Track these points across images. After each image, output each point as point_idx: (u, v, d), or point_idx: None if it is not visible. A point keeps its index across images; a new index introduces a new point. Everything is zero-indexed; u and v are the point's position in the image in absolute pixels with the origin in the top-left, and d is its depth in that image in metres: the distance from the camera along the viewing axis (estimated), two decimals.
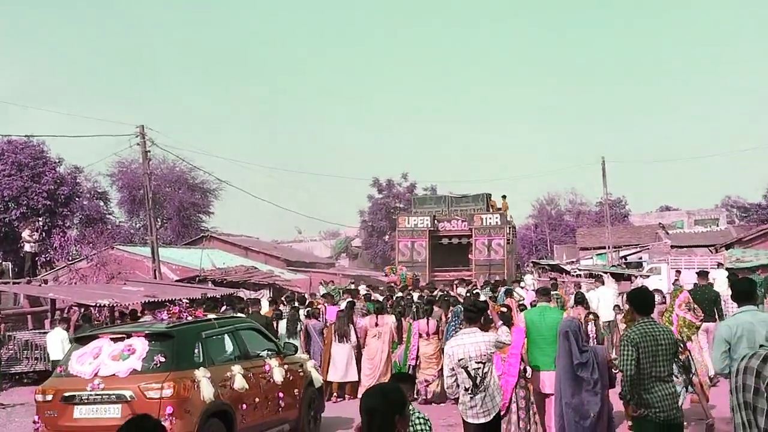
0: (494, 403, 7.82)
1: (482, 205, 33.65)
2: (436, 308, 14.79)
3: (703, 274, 15.54)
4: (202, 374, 9.19)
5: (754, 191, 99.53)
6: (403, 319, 15.04)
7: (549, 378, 9.18)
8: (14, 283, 25.28)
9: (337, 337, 14.75)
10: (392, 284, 27.37)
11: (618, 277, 29.95)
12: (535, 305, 11.69)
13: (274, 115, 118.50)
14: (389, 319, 14.91)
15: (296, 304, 17.43)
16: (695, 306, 10.94)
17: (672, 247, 48.48)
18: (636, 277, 30.34)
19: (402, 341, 14.49)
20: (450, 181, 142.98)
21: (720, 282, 28.00)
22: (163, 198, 52.00)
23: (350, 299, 17.59)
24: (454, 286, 22.87)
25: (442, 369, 13.47)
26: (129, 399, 8.85)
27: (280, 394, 10.68)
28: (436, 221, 32.62)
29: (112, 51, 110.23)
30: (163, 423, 3.53)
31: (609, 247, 46.94)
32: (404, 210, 46.62)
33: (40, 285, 23.33)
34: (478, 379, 7.67)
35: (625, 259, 45.37)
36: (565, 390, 8.10)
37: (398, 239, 33.09)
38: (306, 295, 21.71)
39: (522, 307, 13.39)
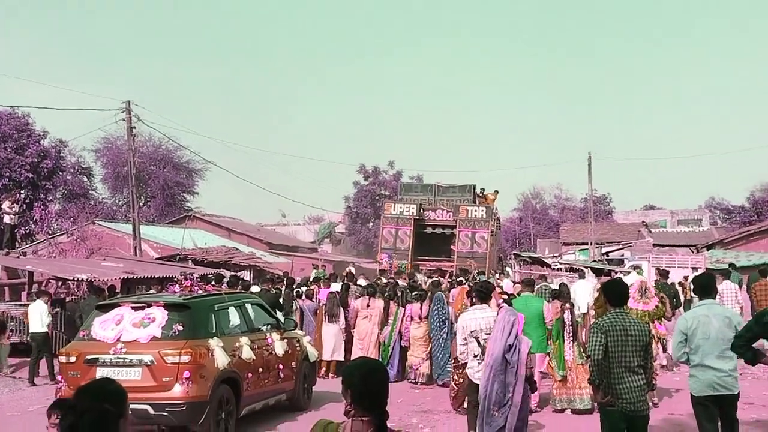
0: None
1: (469, 196, 33.45)
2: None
3: (664, 273, 17.40)
4: (215, 343, 9.95)
5: (738, 193, 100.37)
6: (391, 302, 15.58)
7: (539, 358, 11.10)
8: None
9: (327, 317, 15.46)
10: (385, 270, 27.59)
11: (598, 273, 30.04)
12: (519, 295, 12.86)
13: (263, 96, 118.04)
14: (379, 302, 15.49)
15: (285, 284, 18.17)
16: (647, 289, 11.79)
17: (654, 245, 48.73)
18: (616, 272, 30.44)
19: (388, 323, 15.14)
20: (436, 171, 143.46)
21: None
22: (148, 176, 51.67)
23: (345, 282, 18.31)
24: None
25: (429, 352, 14.38)
26: (149, 363, 9.50)
27: (280, 366, 11.47)
28: (422, 209, 32.48)
29: (102, 26, 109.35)
30: (124, 387, 3.43)
31: (591, 243, 47.12)
32: (390, 198, 46.45)
33: (18, 257, 23.15)
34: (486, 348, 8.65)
35: (607, 256, 45.51)
36: (497, 377, 8.25)
37: (382, 225, 32.83)
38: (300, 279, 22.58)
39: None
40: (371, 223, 62.95)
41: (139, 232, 30.06)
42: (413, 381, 14.44)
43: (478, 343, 8.81)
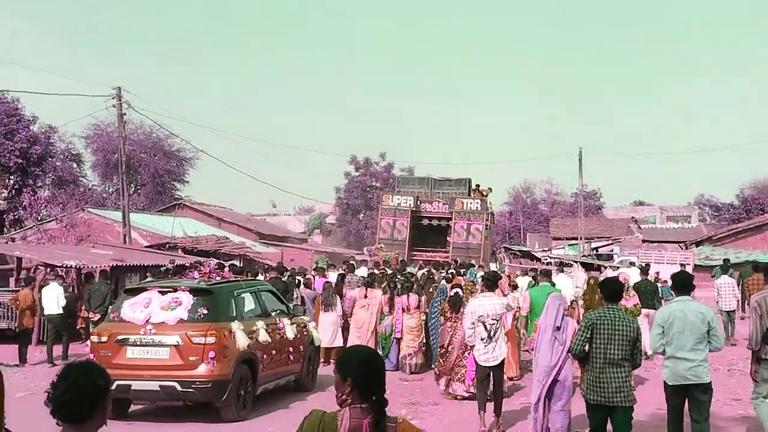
0: (501, 352, 9.75)
1: (464, 189, 33.82)
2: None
3: (644, 269, 18.62)
4: (236, 326, 10.62)
5: (728, 191, 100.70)
6: (394, 293, 15.80)
7: None
8: None
9: (323, 306, 15.67)
10: (377, 262, 27.82)
11: (588, 267, 30.17)
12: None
13: (253, 86, 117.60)
14: (377, 293, 15.71)
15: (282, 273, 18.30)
16: (628, 287, 12.54)
17: (643, 241, 48.97)
18: (605, 267, 30.58)
19: (391, 313, 15.39)
20: (427, 163, 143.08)
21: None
22: (138, 163, 51.42)
23: (341, 272, 18.59)
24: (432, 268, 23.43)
25: (422, 342, 14.80)
26: (177, 344, 10.17)
27: (290, 349, 12.20)
28: (418, 201, 32.77)
29: (94, 11, 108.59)
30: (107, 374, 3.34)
31: (581, 238, 47.29)
32: (381, 189, 46.53)
33: (6, 243, 23.02)
34: (492, 332, 9.63)
35: (597, 251, 45.73)
36: (544, 351, 8.75)
37: (380, 216, 33.27)
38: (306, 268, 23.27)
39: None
40: (362, 215, 62.94)
41: (129, 219, 29.93)
42: (405, 371, 14.56)
43: (485, 327, 9.61)
